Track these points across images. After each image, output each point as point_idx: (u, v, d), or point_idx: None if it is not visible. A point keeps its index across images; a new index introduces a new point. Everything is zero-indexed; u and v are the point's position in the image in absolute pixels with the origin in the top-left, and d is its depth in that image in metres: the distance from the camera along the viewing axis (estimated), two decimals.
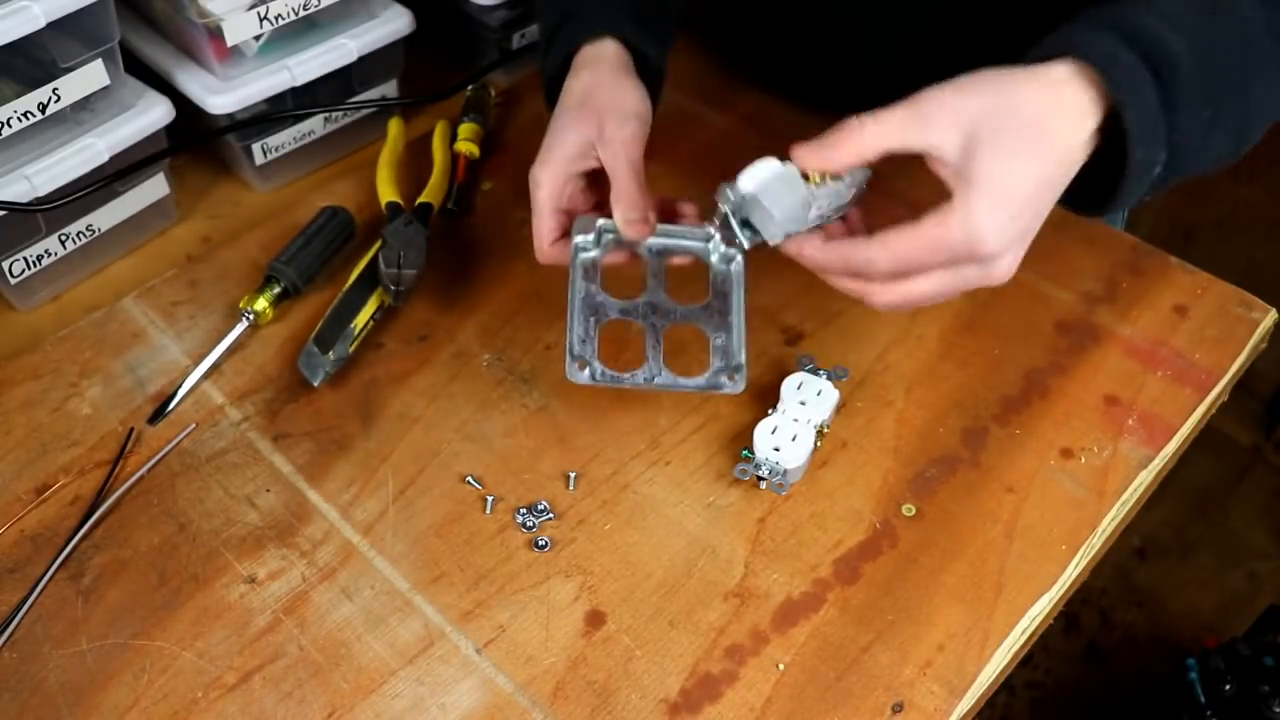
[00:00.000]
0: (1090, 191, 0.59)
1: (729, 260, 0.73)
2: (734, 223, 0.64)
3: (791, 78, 0.97)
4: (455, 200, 0.89)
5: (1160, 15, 0.56)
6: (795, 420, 0.70)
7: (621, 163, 0.68)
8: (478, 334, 0.80)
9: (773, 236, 0.63)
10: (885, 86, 0.88)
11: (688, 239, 0.73)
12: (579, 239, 0.72)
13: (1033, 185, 0.56)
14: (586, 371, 0.69)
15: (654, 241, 0.72)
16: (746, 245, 0.65)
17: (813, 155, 0.60)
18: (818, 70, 0.93)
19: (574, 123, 0.69)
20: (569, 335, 0.70)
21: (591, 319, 0.71)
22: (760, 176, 0.62)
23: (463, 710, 0.61)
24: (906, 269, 0.58)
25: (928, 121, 0.57)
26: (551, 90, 0.75)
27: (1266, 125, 0.62)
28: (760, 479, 0.69)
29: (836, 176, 0.62)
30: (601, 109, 0.69)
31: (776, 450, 0.69)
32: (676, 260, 0.73)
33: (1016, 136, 0.55)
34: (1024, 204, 0.56)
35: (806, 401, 0.71)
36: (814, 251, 0.61)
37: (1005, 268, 0.58)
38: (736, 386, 0.70)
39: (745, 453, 0.71)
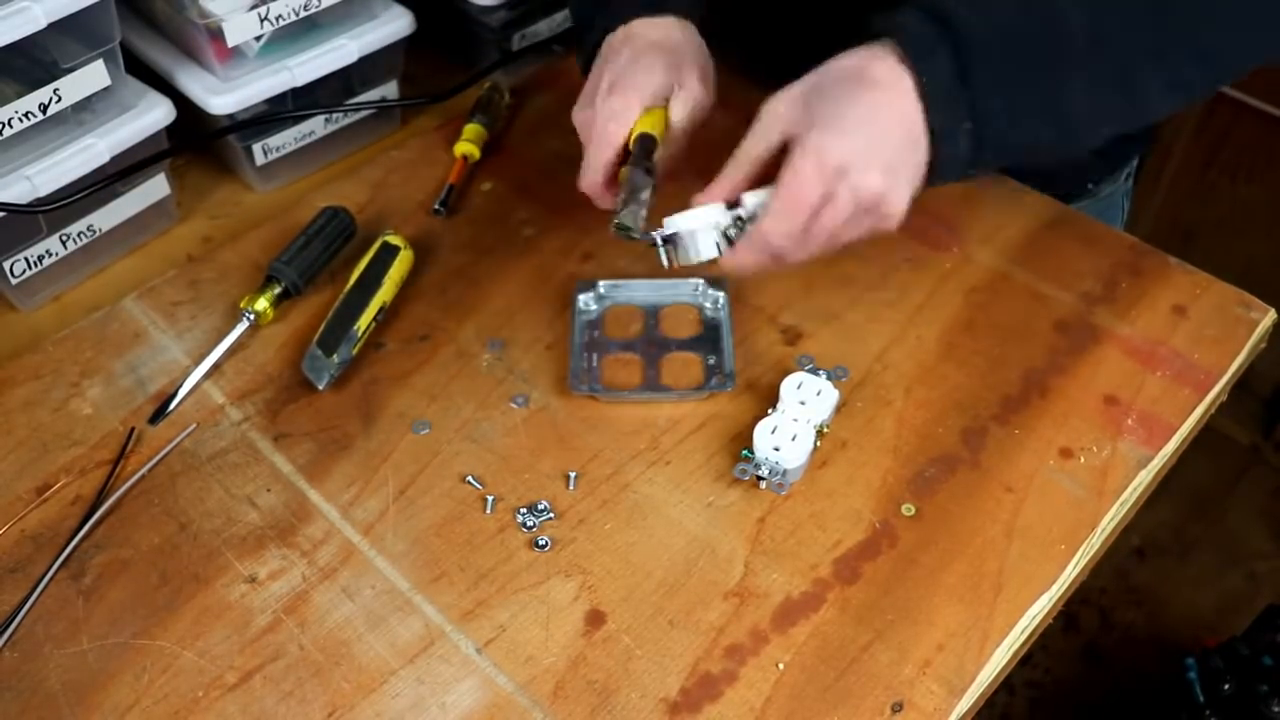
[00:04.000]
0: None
1: (715, 302, 0.81)
2: (663, 251, 0.70)
3: (791, 76, 0.97)
4: (446, 201, 0.89)
5: (975, 3, 0.63)
6: (795, 420, 0.70)
7: (682, 112, 0.73)
8: (478, 334, 0.80)
9: (697, 257, 0.70)
10: None
11: (678, 292, 0.82)
12: (581, 299, 0.81)
13: (862, 108, 0.63)
14: (587, 386, 0.75)
15: (649, 296, 0.82)
16: (678, 263, 0.71)
17: (717, 191, 0.68)
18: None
19: (663, 64, 0.73)
20: (571, 365, 0.76)
21: (594, 355, 0.78)
22: (679, 222, 0.69)
23: (463, 710, 0.61)
24: (801, 222, 0.64)
25: (773, 116, 0.65)
26: (590, 56, 0.77)
27: (1103, 128, 0.66)
28: (760, 479, 0.69)
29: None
30: (687, 61, 0.74)
31: (776, 450, 0.69)
32: (671, 304, 0.82)
33: (837, 85, 0.64)
34: (855, 123, 0.62)
35: (806, 401, 0.71)
36: (730, 262, 0.68)
37: (875, 184, 0.63)
38: (726, 386, 0.75)
39: (745, 453, 0.71)
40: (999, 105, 0.62)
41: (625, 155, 0.72)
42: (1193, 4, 0.63)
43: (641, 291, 0.82)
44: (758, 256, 0.67)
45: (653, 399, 0.76)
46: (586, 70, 0.77)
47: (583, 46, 0.79)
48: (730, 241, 0.68)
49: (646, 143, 0.71)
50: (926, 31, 0.62)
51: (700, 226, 0.68)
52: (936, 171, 0.64)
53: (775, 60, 0.98)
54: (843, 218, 0.64)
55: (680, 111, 0.73)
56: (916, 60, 0.62)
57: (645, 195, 0.69)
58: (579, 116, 0.75)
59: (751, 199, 0.67)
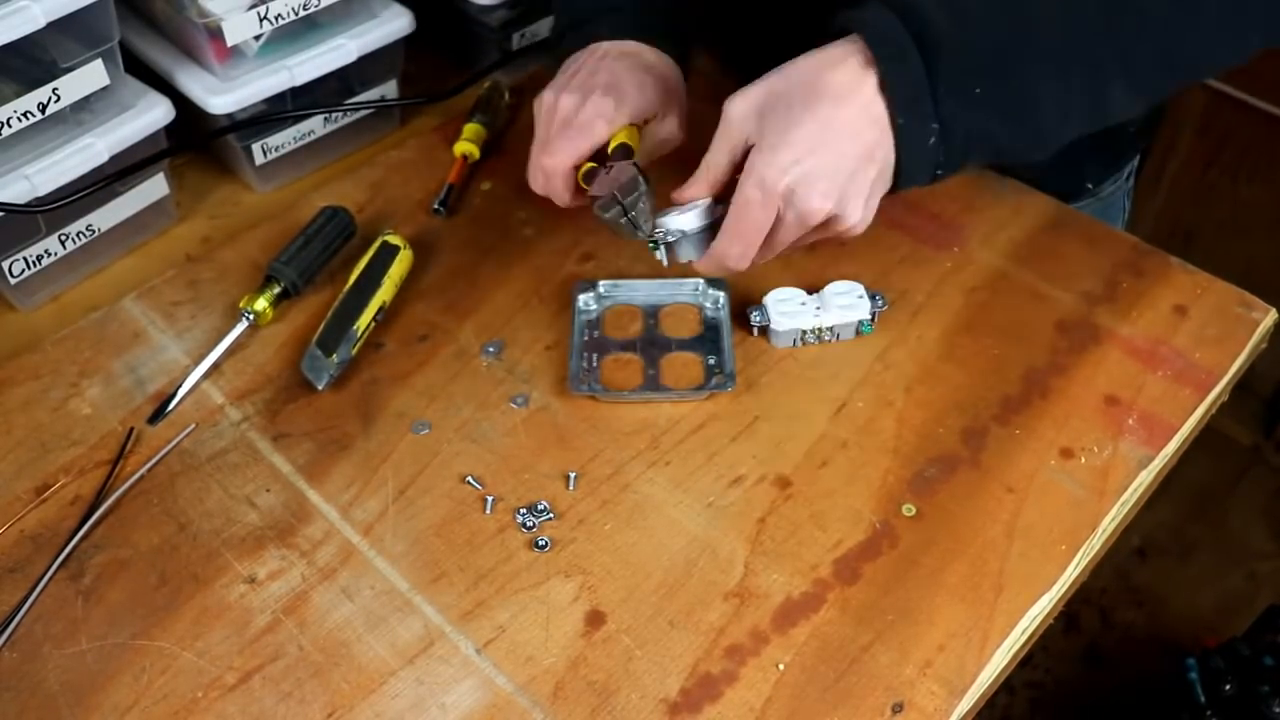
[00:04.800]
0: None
1: (716, 302, 0.81)
2: (663, 251, 0.72)
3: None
4: (445, 201, 0.89)
5: None
6: (816, 309, 0.77)
7: (657, 150, 0.76)
8: (478, 334, 0.80)
9: (685, 258, 0.71)
10: None
11: (678, 292, 0.82)
12: (581, 299, 0.81)
13: (814, 125, 0.62)
14: (587, 386, 0.75)
15: (649, 296, 0.82)
16: (666, 262, 0.72)
17: (688, 191, 0.69)
18: None
19: (655, 90, 0.74)
20: (571, 366, 0.76)
21: (594, 355, 0.78)
22: (675, 222, 0.70)
23: (463, 710, 0.61)
24: (752, 243, 0.66)
25: (730, 124, 0.65)
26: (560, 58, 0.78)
27: (1069, 129, 0.66)
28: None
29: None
30: (675, 93, 0.76)
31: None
32: (671, 304, 0.82)
33: (793, 95, 0.63)
34: (804, 144, 0.62)
35: (835, 303, 0.77)
36: (701, 266, 0.70)
37: (820, 206, 0.63)
38: (727, 386, 0.75)
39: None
40: (967, 105, 0.62)
41: (593, 158, 0.73)
42: (1157, 8, 0.63)
43: (641, 291, 0.82)
44: (719, 267, 0.69)
45: (653, 399, 0.76)
46: (562, 59, 0.78)
47: (565, 45, 0.79)
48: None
49: (628, 153, 0.72)
50: (894, 30, 0.61)
51: (689, 228, 0.69)
52: (903, 173, 0.64)
53: (758, 59, 0.98)
54: (793, 236, 0.66)
55: (655, 138, 0.74)
56: (883, 61, 0.61)
57: (645, 191, 0.69)
58: (548, 97, 0.74)
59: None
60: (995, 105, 0.63)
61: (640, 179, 0.69)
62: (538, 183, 0.75)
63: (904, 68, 0.61)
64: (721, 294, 0.81)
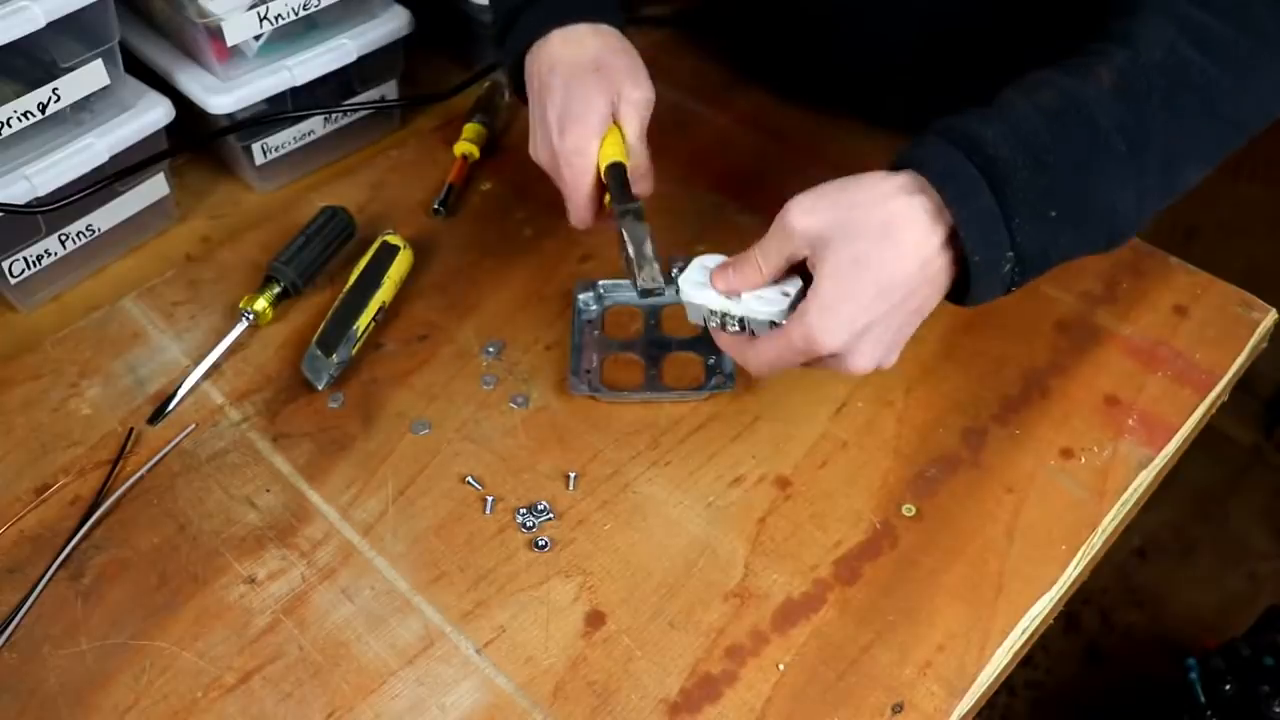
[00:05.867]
0: (956, 287, 0.63)
1: None
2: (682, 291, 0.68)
3: (788, 74, 0.97)
4: (445, 201, 0.89)
5: (1003, 121, 0.60)
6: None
7: (634, 125, 0.72)
8: (478, 334, 0.80)
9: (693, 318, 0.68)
10: (881, 81, 0.89)
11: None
12: (582, 298, 0.80)
13: (874, 288, 0.60)
14: (587, 385, 0.75)
15: (649, 299, 0.79)
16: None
17: (722, 281, 0.65)
18: (814, 67, 0.93)
19: (598, 87, 0.71)
20: (571, 365, 0.76)
21: (595, 355, 0.77)
22: (690, 279, 0.67)
23: (463, 710, 0.60)
24: (776, 366, 0.64)
25: (790, 236, 0.62)
26: (517, 71, 0.77)
27: (1146, 216, 0.64)
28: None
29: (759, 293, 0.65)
30: (617, 72, 0.72)
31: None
32: (668, 309, 0.81)
33: (862, 243, 0.60)
34: (862, 307, 0.60)
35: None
36: (721, 343, 0.68)
37: (862, 363, 0.62)
38: (728, 386, 0.75)
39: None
40: (1042, 228, 0.60)
41: (599, 183, 0.72)
42: (1213, 79, 0.62)
43: None
44: (733, 355, 0.67)
45: (653, 399, 0.76)
46: (516, 85, 0.77)
47: (504, 59, 0.78)
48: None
49: (618, 173, 0.71)
50: (960, 167, 0.59)
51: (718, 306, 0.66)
52: (974, 298, 0.62)
53: (771, 57, 0.98)
54: (826, 371, 0.64)
55: (631, 125, 0.72)
56: (953, 203, 0.59)
57: (649, 248, 0.69)
58: (540, 156, 0.74)
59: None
60: (1071, 220, 0.61)
61: (634, 235, 0.69)
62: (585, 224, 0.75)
63: (975, 207, 0.59)
64: None
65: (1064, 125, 0.60)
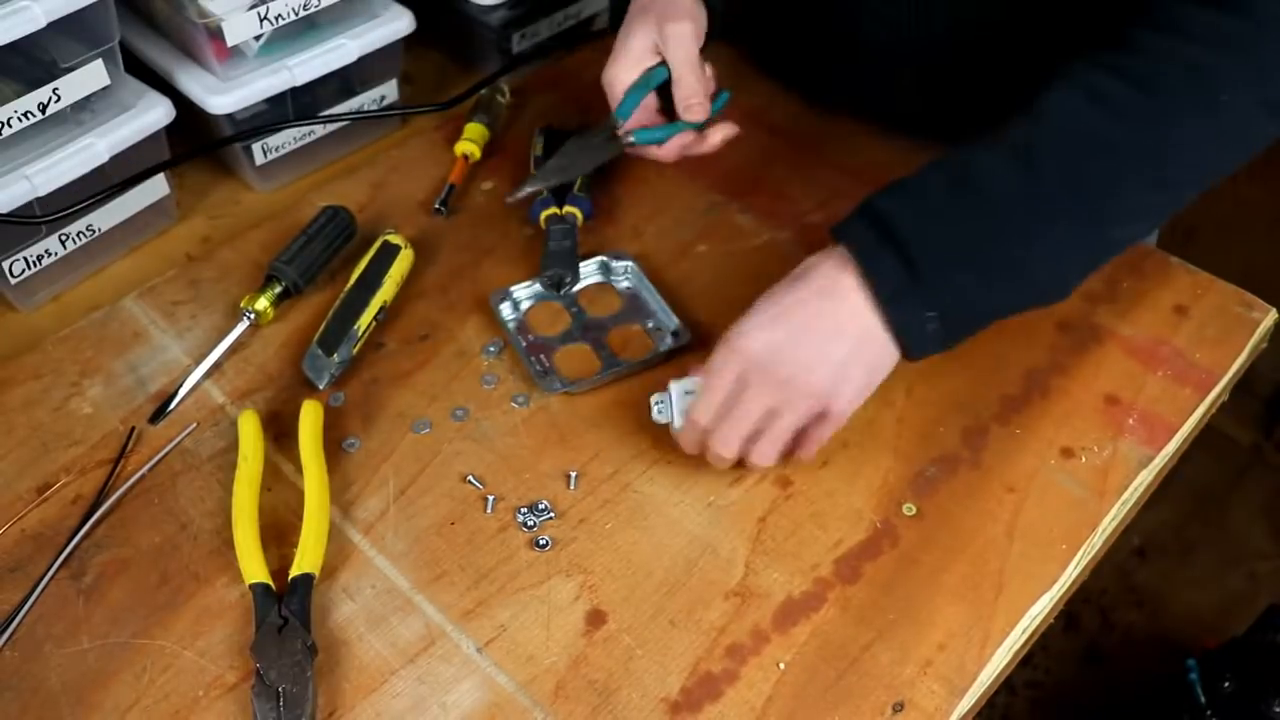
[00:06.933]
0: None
1: (625, 272, 0.84)
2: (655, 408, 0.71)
3: (794, 68, 0.98)
4: (446, 201, 0.89)
5: (910, 194, 0.66)
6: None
7: (680, 56, 0.78)
8: (478, 334, 0.80)
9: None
10: (884, 78, 0.89)
11: (585, 277, 0.83)
12: (501, 308, 0.81)
13: (789, 301, 0.66)
14: (559, 384, 0.75)
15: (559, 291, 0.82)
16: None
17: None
18: (820, 61, 0.93)
19: (639, 27, 0.79)
20: (529, 371, 0.77)
21: (541, 355, 0.79)
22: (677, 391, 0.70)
23: (463, 709, 0.61)
24: (725, 407, 0.66)
25: (735, 358, 0.66)
26: (616, 8, 0.85)
27: (1074, 275, 0.67)
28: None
29: None
30: (661, 12, 0.79)
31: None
32: (584, 286, 0.84)
33: (778, 286, 0.67)
34: (775, 316, 0.65)
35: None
36: (681, 442, 0.70)
37: (785, 373, 0.64)
38: (684, 338, 0.78)
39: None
40: (960, 286, 0.64)
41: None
42: (1122, 149, 0.64)
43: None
44: (695, 442, 0.69)
45: (624, 373, 0.76)
46: (615, 25, 0.84)
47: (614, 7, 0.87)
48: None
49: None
50: (868, 236, 0.65)
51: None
52: (912, 354, 0.66)
53: (778, 51, 0.98)
54: (781, 412, 0.66)
55: (675, 54, 0.78)
56: (864, 265, 0.64)
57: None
58: (603, 76, 0.81)
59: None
60: (985, 283, 0.65)
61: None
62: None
63: (885, 272, 0.64)
64: (628, 263, 0.83)
65: (963, 195, 0.65)
